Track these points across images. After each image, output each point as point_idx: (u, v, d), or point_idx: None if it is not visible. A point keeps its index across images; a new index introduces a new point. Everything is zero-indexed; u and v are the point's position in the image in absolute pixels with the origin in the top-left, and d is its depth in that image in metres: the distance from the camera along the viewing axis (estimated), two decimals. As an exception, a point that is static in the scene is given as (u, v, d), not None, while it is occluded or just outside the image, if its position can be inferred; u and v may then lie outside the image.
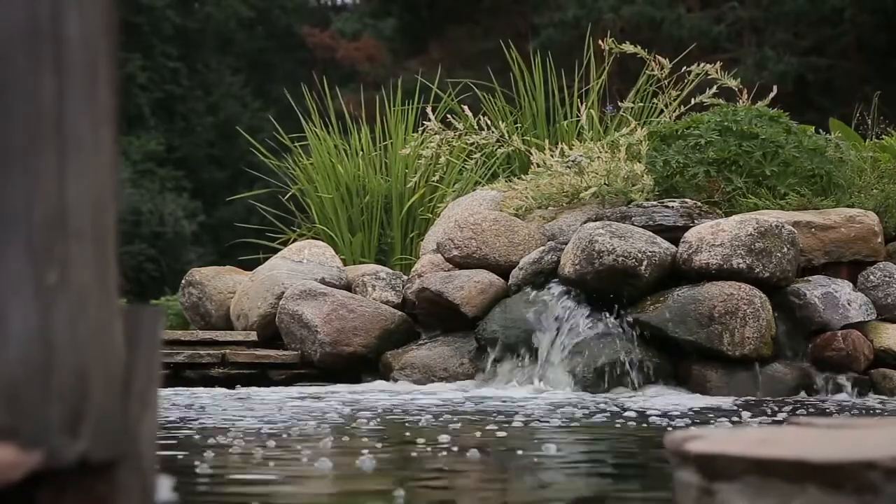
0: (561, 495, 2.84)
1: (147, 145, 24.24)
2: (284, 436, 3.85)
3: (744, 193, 6.77)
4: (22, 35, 1.36)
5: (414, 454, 3.44)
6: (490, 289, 6.50)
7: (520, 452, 3.49)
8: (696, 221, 6.43)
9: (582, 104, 8.34)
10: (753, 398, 5.72)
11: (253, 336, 6.85)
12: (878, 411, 5.28)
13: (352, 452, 3.36)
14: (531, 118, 8.76)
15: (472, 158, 8.39)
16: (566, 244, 6.37)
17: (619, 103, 8.48)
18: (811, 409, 5.20)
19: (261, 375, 6.60)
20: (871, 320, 6.21)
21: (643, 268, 6.09)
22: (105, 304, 1.42)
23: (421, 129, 8.52)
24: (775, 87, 8.18)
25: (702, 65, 8.22)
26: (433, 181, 8.51)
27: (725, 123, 6.90)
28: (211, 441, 3.60)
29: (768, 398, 5.73)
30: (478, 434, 3.93)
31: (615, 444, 3.93)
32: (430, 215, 8.28)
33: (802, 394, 5.93)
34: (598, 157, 7.10)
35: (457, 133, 8.30)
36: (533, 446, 3.68)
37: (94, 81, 1.40)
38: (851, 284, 6.28)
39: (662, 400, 5.48)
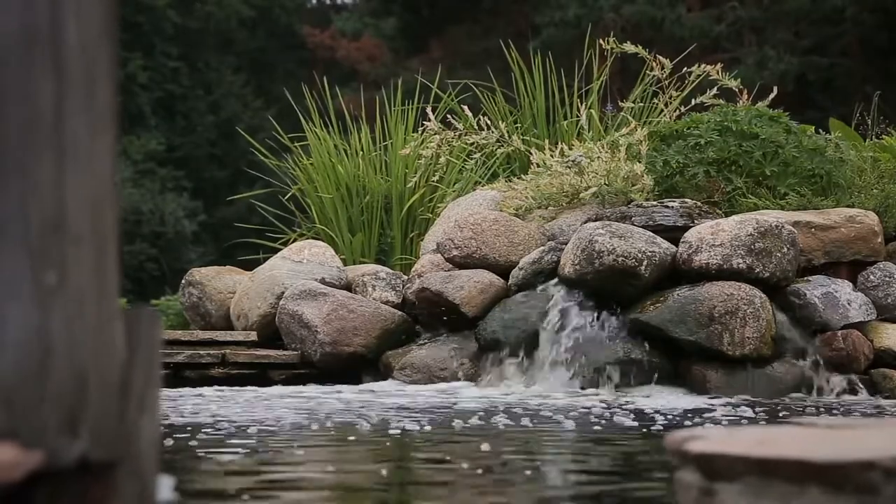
0: (561, 494, 2.84)
1: (148, 145, 24.22)
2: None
3: (744, 193, 6.76)
4: (20, 40, 1.36)
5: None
6: (490, 289, 6.49)
7: (518, 453, 3.48)
8: (696, 221, 6.42)
9: (582, 104, 8.33)
10: (753, 398, 5.72)
11: (253, 336, 6.85)
12: (878, 411, 5.27)
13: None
14: (531, 118, 8.74)
15: (472, 158, 8.37)
16: (566, 244, 6.37)
17: (620, 103, 8.47)
18: (811, 409, 5.20)
19: (261, 375, 6.60)
20: (871, 320, 6.21)
21: (643, 268, 6.09)
22: (104, 306, 1.42)
23: (421, 129, 8.51)
24: (775, 88, 8.16)
25: (702, 66, 8.21)
26: (433, 181, 8.49)
27: (725, 123, 6.90)
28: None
29: (768, 398, 5.73)
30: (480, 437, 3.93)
31: (615, 445, 3.93)
32: (430, 215, 8.27)
33: (802, 393, 5.93)
34: (598, 157, 7.09)
35: (457, 133, 8.29)
36: (533, 446, 3.68)
37: (92, 86, 1.40)
38: (851, 284, 6.28)
39: (662, 400, 5.48)
